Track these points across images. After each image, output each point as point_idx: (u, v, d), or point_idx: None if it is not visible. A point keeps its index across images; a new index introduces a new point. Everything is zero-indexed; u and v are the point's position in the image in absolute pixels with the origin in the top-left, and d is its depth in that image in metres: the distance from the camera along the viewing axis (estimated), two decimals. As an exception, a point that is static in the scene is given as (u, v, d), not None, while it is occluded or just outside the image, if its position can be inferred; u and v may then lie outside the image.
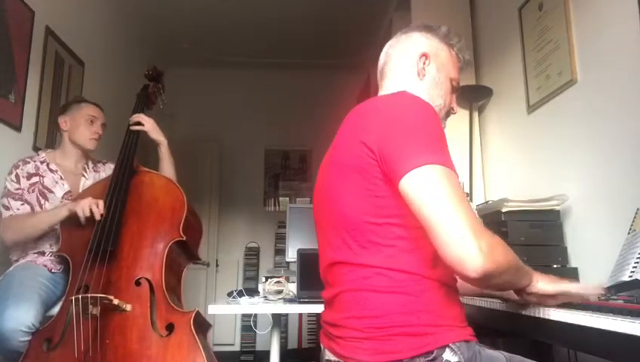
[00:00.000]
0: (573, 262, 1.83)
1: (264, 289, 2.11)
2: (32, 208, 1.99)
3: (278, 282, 2.11)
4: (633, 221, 1.43)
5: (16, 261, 1.97)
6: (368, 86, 4.14)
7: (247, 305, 1.99)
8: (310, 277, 1.95)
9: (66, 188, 2.09)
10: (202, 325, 1.75)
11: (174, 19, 4.13)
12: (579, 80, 1.88)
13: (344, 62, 4.79)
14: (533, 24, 2.21)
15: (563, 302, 1.05)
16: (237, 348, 4.67)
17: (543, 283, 1.00)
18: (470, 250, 0.78)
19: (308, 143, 5.07)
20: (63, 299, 1.77)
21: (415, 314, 0.89)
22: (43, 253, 1.98)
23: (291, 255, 2.42)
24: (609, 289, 1.17)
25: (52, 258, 1.97)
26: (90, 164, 2.23)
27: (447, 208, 0.81)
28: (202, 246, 2.46)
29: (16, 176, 2.00)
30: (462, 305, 0.99)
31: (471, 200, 2.47)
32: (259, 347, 4.58)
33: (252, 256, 4.90)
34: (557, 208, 1.88)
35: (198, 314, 1.70)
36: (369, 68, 3.94)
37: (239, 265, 4.92)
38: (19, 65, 2.52)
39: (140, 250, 1.81)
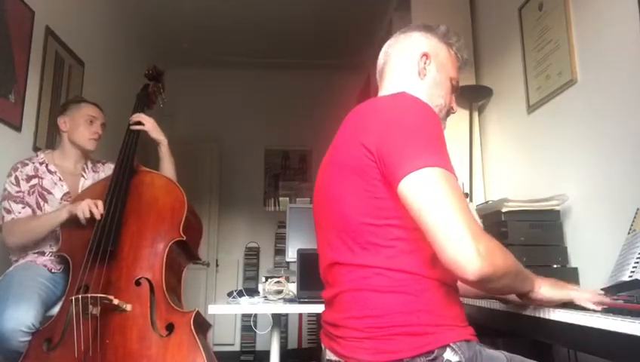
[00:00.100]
0: (573, 262, 1.83)
1: (264, 289, 2.11)
2: (33, 211, 1.99)
3: (278, 282, 2.11)
4: (633, 221, 1.43)
5: (16, 261, 1.97)
6: (368, 86, 4.13)
7: (247, 305, 1.99)
8: (310, 277, 1.95)
9: (65, 189, 2.09)
10: (202, 325, 1.75)
11: (174, 19, 4.14)
12: (579, 80, 1.88)
13: (344, 62, 4.79)
14: (533, 24, 2.21)
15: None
16: (237, 348, 4.67)
17: (546, 289, 1.00)
18: (468, 253, 0.78)
19: (308, 143, 5.07)
20: (63, 299, 1.77)
21: (415, 314, 0.89)
22: (43, 253, 1.98)
23: (291, 255, 2.42)
24: (609, 289, 1.17)
25: (52, 258, 1.97)
26: (90, 165, 2.23)
27: (445, 211, 0.81)
28: (202, 246, 2.46)
29: (16, 178, 2.00)
30: (462, 305, 0.99)
31: (471, 200, 2.47)
32: (259, 347, 4.58)
33: (252, 256, 4.91)
34: (557, 208, 1.88)
35: (198, 314, 1.70)
36: (369, 68, 3.93)
37: (239, 265, 4.92)
38: (19, 65, 2.52)
39: (140, 249, 1.81)
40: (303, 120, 4.91)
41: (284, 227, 2.59)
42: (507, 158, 2.51)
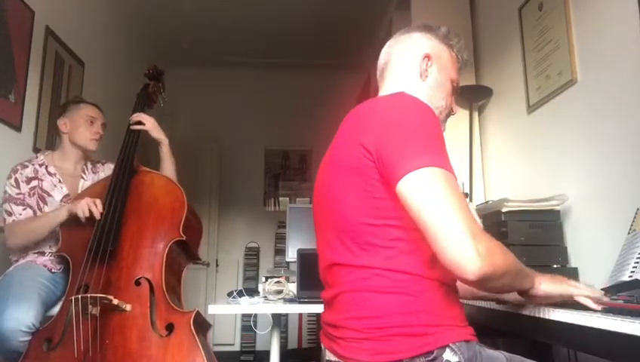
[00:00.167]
0: (573, 262, 1.83)
1: (264, 289, 2.11)
2: (34, 212, 1.99)
3: (278, 282, 2.11)
4: (633, 221, 1.43)
5: (16, 261, 1.97)
6: (368, 86, 4.13)
7: (247, 305, 1.99)
8: (310, 277, 1.95)
9: (65, 191, 2.09)
10: (202, 325, 1.75)
11: (174, 19, 4.13)
12: (579, 80, 1.88)
13: (344, 62, 4.79)
14: (533, 24, 2.21)
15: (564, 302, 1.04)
16: (237, 348, 4.67)
17: (545, 285, 0.99)
18: (468, 253, 0.78)
19: (308, 143, 5.07)
20: (63, 299, 1.77)
21: (415, 314, 0.89)
22: (43, 253, 1.98)
23: (291, 255, 2.42)
24: (609, 289, 1.17)
25: (52, 258, 1.97)
26: (89, 165, 2.23)
27: (444, 211, 0.81)
28: (202, 246, 2.46)
29: (16, 180, 2.00)
30: (462, 305, 0.98)
31: (471, 200, 2.47)
32: (259, 347, 4.58)
33: (252, 256, 4.91)
34: (557, 208, 1.88)
35: (198, 314, 1.70)
36: (369, 68, 3.93)
37: (239, 265, 4.92)
38: (19, 65, 2.52)
39: (140, 249, 1.81)
40: (303, 120, 4.91)
41: (284, 227, 2.59)
42: (507, 158, 2.51)
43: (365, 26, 4.09)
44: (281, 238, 4.69)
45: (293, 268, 2.37)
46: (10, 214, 1.95)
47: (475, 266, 0.78)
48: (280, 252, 4.73)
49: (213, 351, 1.75)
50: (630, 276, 1.25)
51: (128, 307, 1.67)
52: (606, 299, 1.03)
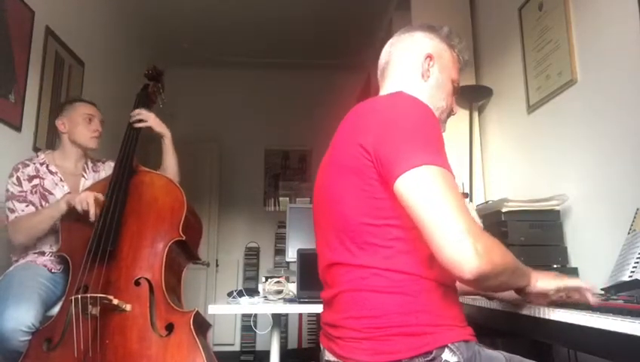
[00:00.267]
0: (573, 262, 1.83)
1: (264, 289, 2.11)
2: (37, 209, 1.99)
3: (278, 282, 2.11)
4: (633, 221, 1.43)
5: (16, 261, 1.97)
6: (368, 86, 4.13)
7: (247, 305, 1.99)
8: (310, 277, 1.95)
9: (66, 189, 2.09)
10: (202, 325, 1.75)
11: (174, 19, 4.14)
12: (579, 80, 1.88)
13: (344, 62, 4.79)
14: (533, 24, 2.21)
15: (561, 299, 1.04)
16: (237, 348, 4.67)
17: (542, 282, 1.00)
18: (467, 252, 0.78)
19: (308, 143, 5.06)
20: (63, 299, 1.77)
21: (413, 314, 0.89)
22: (43, 253, 1.98)
23: (291, 255, 2.42)
24: (609, 289, 1.17)
25: (52, 258, 1.97)
26: (90, 164, 2.23)
27: (442, 209, 0.81)
28: (202, 246, 2.46)
29: (17, 179, 2.00)
30: (461, 305, 0.98)
31: (471, 200, 2.47)
32: (259, 347, 4.58)
33: (252, 256, 4.91)
34: (557, 208, 1.88)
35: (197, 314, 1.70)
36: (369, 68, 3.93)
37: (239, 265, 4.92)
38: (19, 65, 2.52)
39: (140, 249, 1.81)
40: (303, 120, 4.91)
41: (284, 227, 2.59)
42: (507, 158, 2.51)
43: (365, 26, 4.09)
44: (281, 238, 4.69)
45: (293, 268, 2.37)
46: (12, 211, 1.95)
47: (473, 265, 0.78)
48: (280, 252, 4.73)
49: (213, 351, 1.75)
50: (630, 276, 1.25)
51: (128, 307, 1.67)
52: (598, 290, 1.03)
